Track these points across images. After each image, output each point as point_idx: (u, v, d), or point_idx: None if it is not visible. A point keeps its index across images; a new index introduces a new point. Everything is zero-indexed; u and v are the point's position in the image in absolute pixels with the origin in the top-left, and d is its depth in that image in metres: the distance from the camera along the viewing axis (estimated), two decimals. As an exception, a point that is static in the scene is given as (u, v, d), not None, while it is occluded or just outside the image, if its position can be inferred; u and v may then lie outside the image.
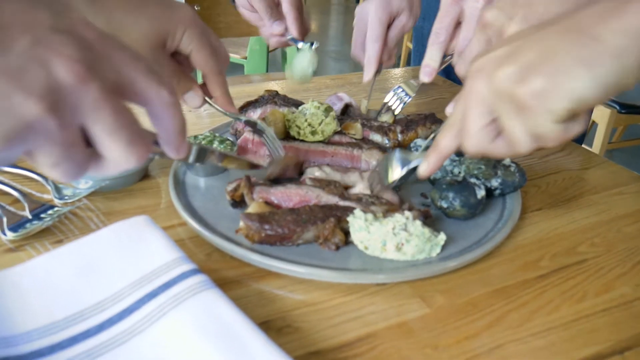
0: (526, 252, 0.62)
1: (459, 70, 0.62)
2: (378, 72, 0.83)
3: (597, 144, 2.48)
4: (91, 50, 0.31)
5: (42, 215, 0.61)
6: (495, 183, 0.68)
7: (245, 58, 2.54)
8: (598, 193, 0.75)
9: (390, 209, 0.60)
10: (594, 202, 0.73)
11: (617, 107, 2.41)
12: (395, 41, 0.84)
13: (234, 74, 3.12)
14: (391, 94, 0.86)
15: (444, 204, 0.64)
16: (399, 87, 0.85)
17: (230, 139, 0.74)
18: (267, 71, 2.52)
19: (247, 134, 0.74)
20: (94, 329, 0.43)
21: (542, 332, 0.50)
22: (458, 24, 0.71)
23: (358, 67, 0.84)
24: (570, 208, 0.71)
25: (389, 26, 0.82)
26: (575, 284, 0.57)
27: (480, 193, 0.64)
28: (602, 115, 2.44)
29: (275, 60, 3.30)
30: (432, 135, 0.74)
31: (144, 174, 0.72)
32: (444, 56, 0.73)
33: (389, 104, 0.85)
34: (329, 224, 0.56)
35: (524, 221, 0.67)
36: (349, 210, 0.59)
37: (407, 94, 0.84)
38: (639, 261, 0.61)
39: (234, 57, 2.57)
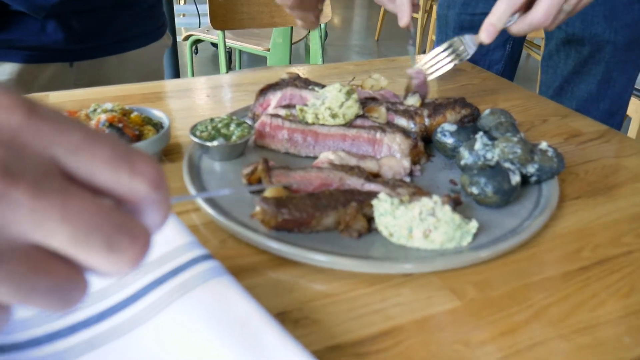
0: (566, 242, 0.57)
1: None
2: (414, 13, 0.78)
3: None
4: (12, 144, 0.21)
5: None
6: (531, 169, 0.63)
7: (268, 50, 2.51)
8: (642, 181, 0.70)
9: (418, 192, 0.56)
10: (638, 191, 0.67)
11: (653, 100, 2.31)
12: None
13: (257, 65, 3.09)
14: (446, 45, 0.79)
15: (475, 190, 0.59)
16: (457, 39, 0.77)
17: (248, 122, 0.71)
18: (289, 63, 2.49)
19: (265, 118, 0.71)
20: (94, 318, 0.40)
21: (587, 329, 0.45)
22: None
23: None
24: (612, 196, 0.66)
25: None
26: (621, 277, 0.52)
27: (515, 179, 0.59)
28: (636, 109, 2.34)
29: (298, 52, 3.26)
30: None
31: (157, 159, 0.69)
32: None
33: (440, 57, 0.79)
34: (351, 209, 0.52)
35: (562, 210, 0.62)
36: (372, 195, 0.55)
37: (465, 50, 0.77)
38: (691, 254, 0.56)
39: (257, 49, 2.54)
